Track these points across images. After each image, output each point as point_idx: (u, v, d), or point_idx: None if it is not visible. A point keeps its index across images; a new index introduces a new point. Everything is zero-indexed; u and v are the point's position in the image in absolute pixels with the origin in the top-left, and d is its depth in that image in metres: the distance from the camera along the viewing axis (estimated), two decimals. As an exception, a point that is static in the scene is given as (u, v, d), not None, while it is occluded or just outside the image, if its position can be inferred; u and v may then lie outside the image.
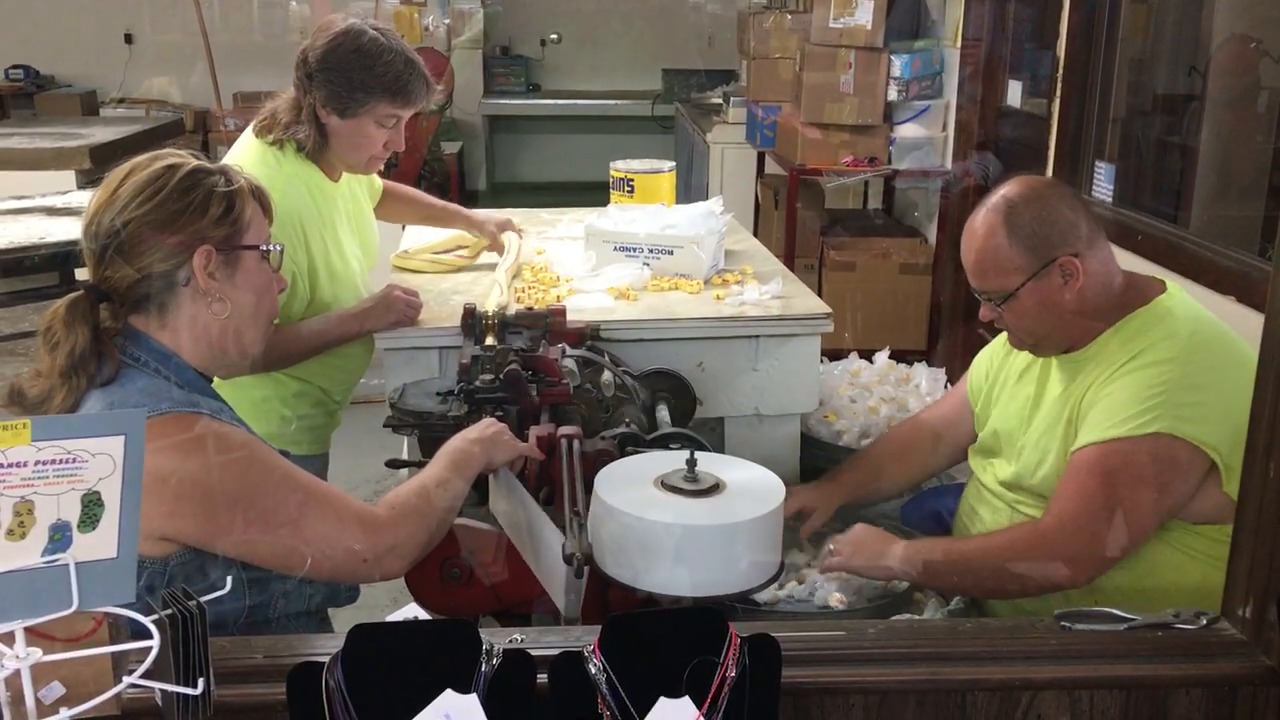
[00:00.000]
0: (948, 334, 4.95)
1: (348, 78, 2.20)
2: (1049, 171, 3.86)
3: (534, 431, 1.82)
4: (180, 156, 1.59)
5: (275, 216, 2.21)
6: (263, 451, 1.49)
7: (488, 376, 1.94)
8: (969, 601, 2.01)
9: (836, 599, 1.97)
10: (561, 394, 1.95)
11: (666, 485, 1.60)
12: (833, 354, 2.90)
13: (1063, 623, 1.28)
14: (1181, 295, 1.96)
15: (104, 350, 1.50)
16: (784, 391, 2.42)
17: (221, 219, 1.56)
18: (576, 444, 1.74)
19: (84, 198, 4.45)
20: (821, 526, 2.17)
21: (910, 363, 3.32)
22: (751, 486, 1.65)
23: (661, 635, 1.08)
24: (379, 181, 2.63)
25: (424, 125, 6.83)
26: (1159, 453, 1.78)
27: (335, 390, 2.45)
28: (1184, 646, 1.30)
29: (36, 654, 0.95)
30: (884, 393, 2.81)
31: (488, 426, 1.72)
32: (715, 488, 1.61)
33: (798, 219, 4.99)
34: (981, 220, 1.92)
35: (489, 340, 2.15)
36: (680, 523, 1.49)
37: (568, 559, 1.39)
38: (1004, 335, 2.10)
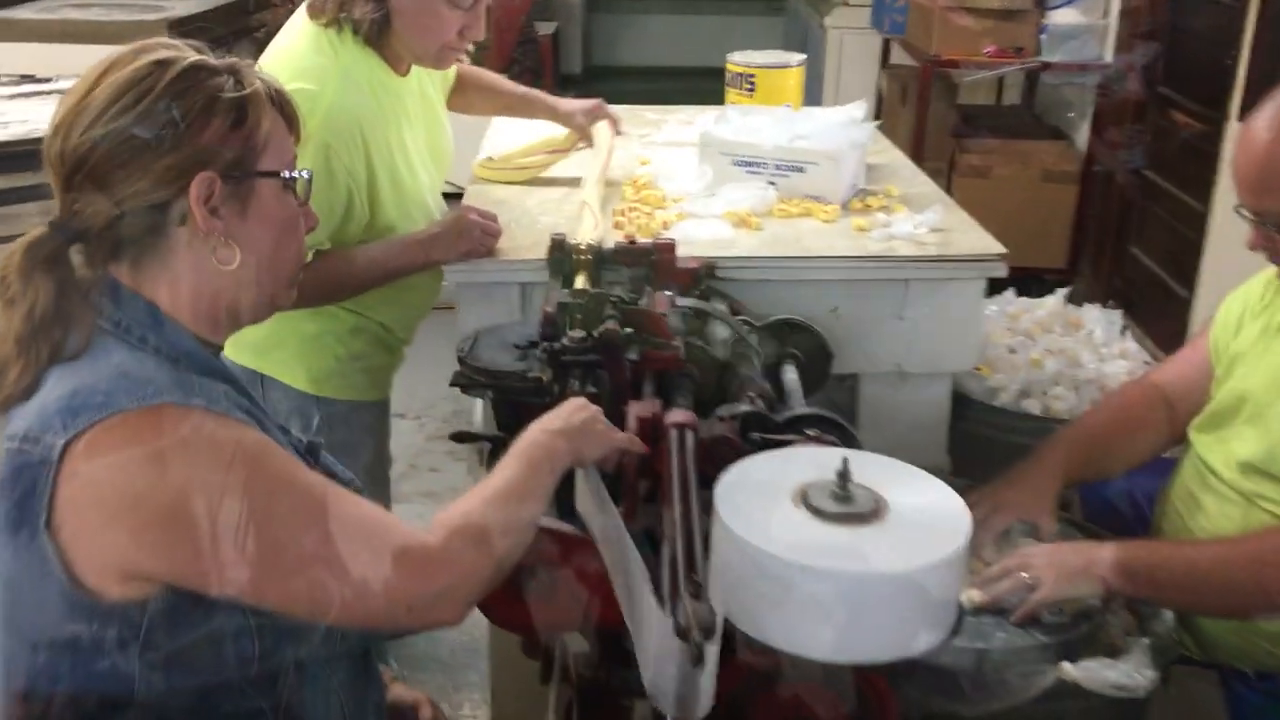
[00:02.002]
0: (1094, 253, 4.40)
1: None
2: (1241, 70, 3.27)
3: (634, 410, 1.41)
4: (175, 48, 1.19)
5: (329, 117, 1.81)
6: (274, 459, 1.10)
7: (578, 333, 1.54)
8: (1178, 637, 1.60)
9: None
10: (671, 360, 1.55)
11: (812, 506, 1.20)
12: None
13: None
14: None
15: (74, 310, 1.13)
16: (935, 346, 1.99)
17: (229, 135, 1.16)
18: (690, 436, 1.34)
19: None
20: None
21: (1049, 285, 2.84)
22: (923, 506, 1.24)
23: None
24: (452, 72, 2.20)
25: (517, 2, 6.30)
26: None
27: (398, 326, 2.06)
28: None
29: None
30: (1050, 342, 2.36)
31: (576, 411, 1.32)
32: (877, 511, 1.20)
33: (928, 117, 4.44)
34: (1267, 121, 1.49)
35: (579, 282, 1.75)
36: (847, 569, 1.09)
37: (681, 634, 0.99)
38: (1264, 275, 1.69)
